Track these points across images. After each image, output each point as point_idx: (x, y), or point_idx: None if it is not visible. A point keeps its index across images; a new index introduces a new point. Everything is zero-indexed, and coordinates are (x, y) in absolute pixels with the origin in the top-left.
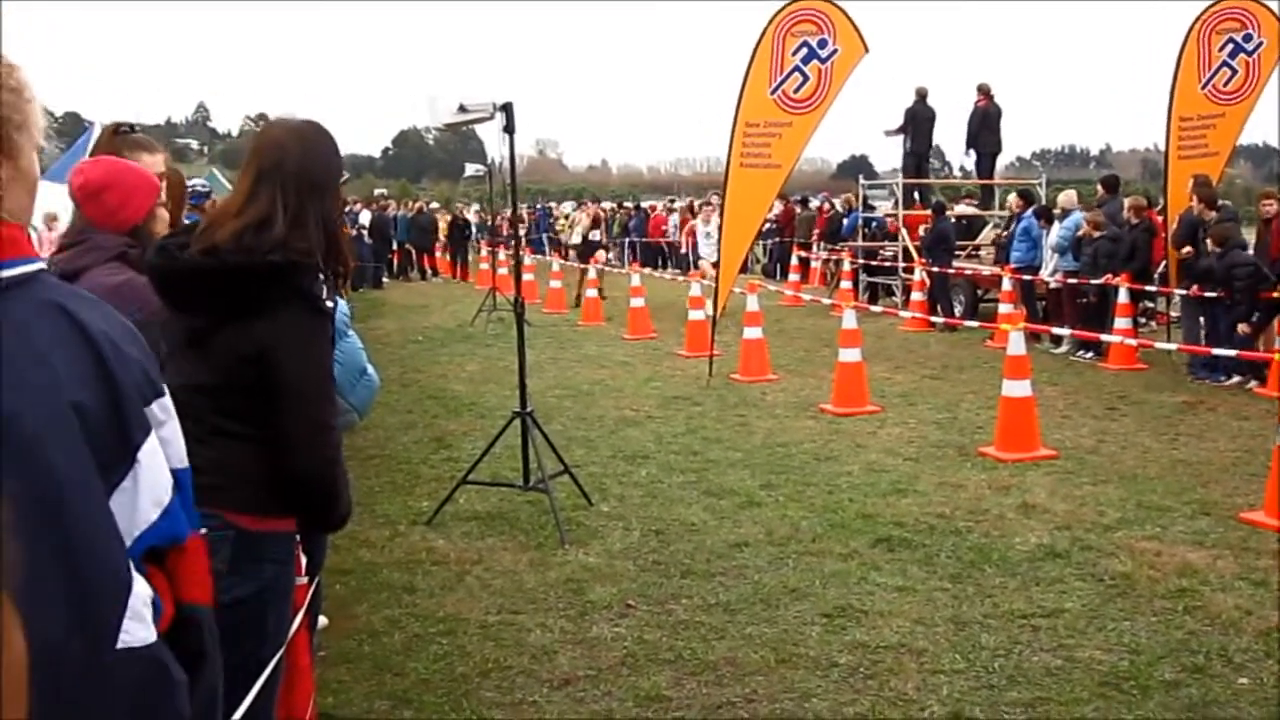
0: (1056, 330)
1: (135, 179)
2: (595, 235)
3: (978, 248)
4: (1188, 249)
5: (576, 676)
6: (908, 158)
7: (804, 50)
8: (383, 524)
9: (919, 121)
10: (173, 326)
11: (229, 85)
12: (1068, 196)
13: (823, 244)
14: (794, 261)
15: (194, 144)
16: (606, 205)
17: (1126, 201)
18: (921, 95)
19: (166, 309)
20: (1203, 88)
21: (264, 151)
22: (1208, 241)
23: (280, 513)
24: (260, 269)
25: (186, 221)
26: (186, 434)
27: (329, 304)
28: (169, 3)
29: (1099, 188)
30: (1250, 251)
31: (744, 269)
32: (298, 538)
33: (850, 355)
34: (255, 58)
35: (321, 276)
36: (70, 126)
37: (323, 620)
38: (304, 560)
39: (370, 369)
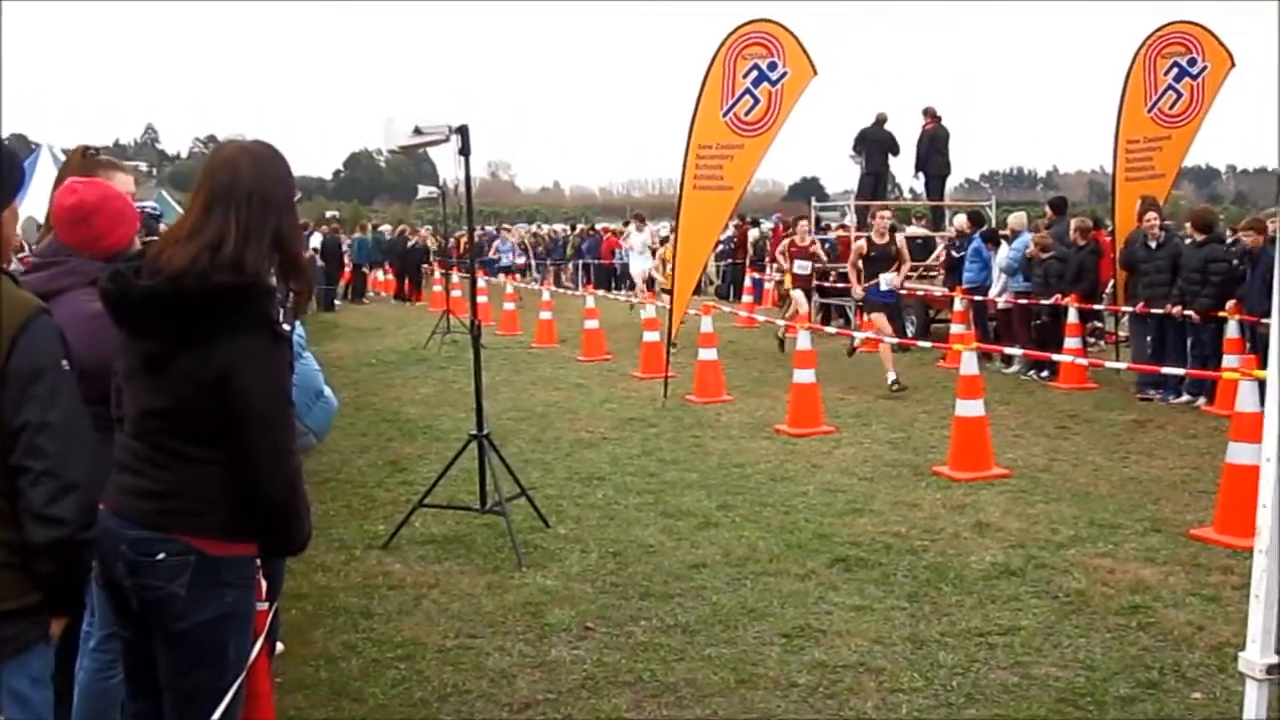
0: (1008, 350)
1: (123, 205)
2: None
3: (929, 269)
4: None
5: (536, 700)
6: (865, 178)
7: (754, 73)
8: (338, 548)
9: (869, 143)
10: (129, 351)
11: (178, 106)
12: (1017, 218)
13: (776, 266)
14: (747, 283)
15: (143, 166)
16: (559, 227)
17: (1073, 223)
18: (880, 120)
19: (121, 334)
20: (1149, 111)
21: (216, 172)
22: (1187, 226)
23: (241, 537)
24: (217, 293)
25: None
26: (144, 458)
27: (286, 327)
28: (115, 22)
29: (1047, 209)
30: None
31: (697, 290)
32: (258, 562)
33: (804, 376)
34: (204, 79)
35: (279, 299)
36: (17, 149)
37: (279, 646)
38: (264, 585)
39: (327, 391)
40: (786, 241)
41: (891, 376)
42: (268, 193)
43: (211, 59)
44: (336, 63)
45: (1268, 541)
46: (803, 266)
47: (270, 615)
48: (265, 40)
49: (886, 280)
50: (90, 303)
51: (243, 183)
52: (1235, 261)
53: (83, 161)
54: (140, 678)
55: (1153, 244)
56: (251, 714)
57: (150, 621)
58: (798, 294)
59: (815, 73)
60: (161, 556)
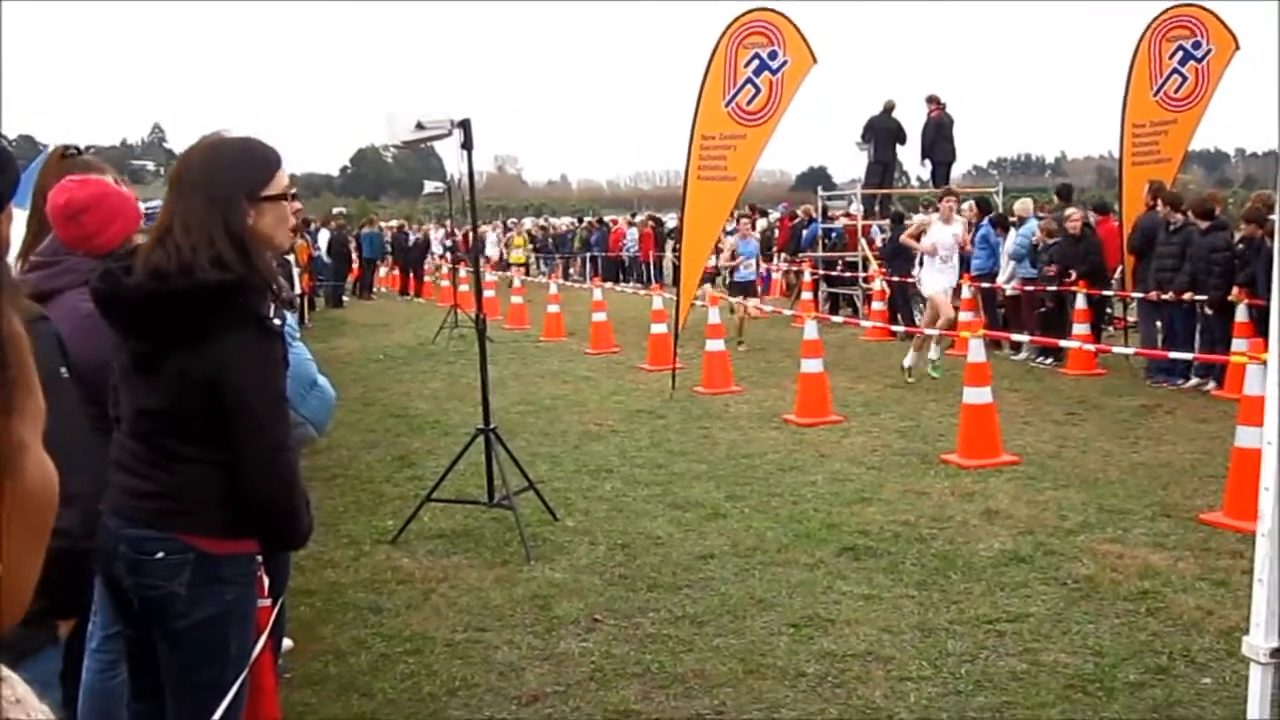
0: (1016, 336)
1: (119, 203)
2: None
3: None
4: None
5: (544, 693)
6: (872, 166)
7: (755, 62)
8: (347, 544)
9: (877, 130)
10: (121, 350)
11: (185, 106)
12: (1024, 204)
13: (783, 255)
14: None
15: (150, 165)
16: (566, 220)
17: (1069, 212)
18: (889, 108)
19: (114, 334)
20: (1155, 95)
21: (174, 168)
22: (1188, 214)
23: (240, 534)
24: (205, 291)
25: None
26: (141, 458)
27: (277, 321)
28: (122, 22)
29: (1055, 197)
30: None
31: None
32: (259, 559)
33: (812, 366)
34: (211, 77)
35: (269, 294)
36: (25, 150)
37: (287, 643)
38: (266, 581)
39: (322, 380)
40: None
41: None
42: (212, 186)
43: (218, 57)
44: (344, 59)
45: (1270, 524)
46: None
47: (274, 611)
48: (272, 38)
49: None
50: (85, 302)
51: (188, 176)
52: (1241, 247)
53: (60, 163)
54: (143, 676)
55: (1171, 227)
56: (255, 710)
57: (151, 620)
58: None
59: (815, 61)
60: (160, 555)
